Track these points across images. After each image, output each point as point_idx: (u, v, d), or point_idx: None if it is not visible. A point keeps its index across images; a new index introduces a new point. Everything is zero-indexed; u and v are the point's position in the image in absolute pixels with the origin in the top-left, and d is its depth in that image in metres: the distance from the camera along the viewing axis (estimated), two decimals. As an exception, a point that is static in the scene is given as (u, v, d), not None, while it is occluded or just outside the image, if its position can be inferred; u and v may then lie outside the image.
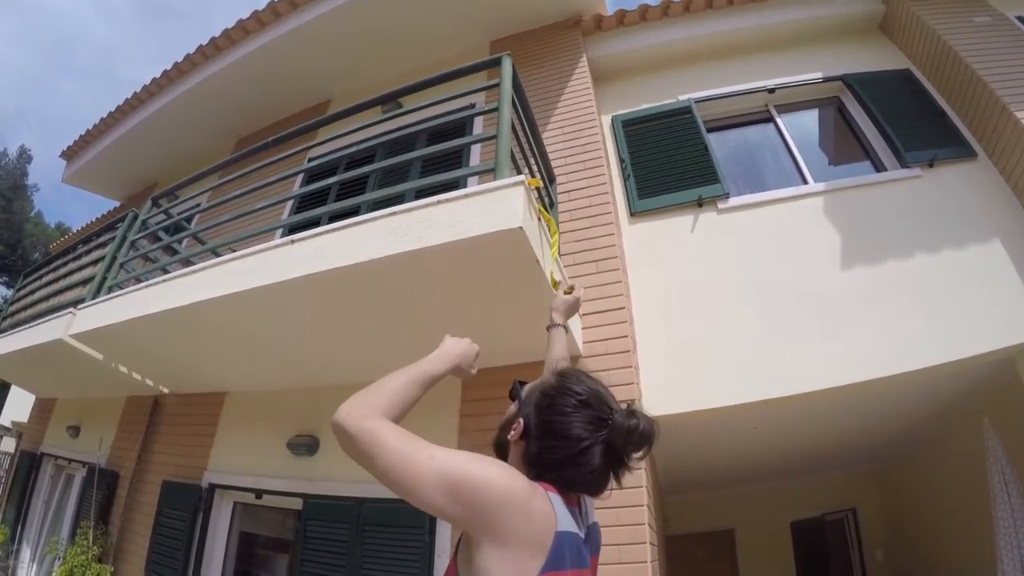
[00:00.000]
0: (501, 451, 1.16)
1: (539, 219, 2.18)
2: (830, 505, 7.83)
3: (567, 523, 0.95)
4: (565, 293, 1.80)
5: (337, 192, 4.32)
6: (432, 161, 3.83)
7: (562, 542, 0.91)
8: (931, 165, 3.95)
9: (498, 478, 0.90)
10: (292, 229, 2.67)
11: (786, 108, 4.51)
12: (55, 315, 3.83)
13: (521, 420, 1.11)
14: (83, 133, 6.90)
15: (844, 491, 7.79)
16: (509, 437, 1.13)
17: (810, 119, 4.57)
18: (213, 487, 3.69)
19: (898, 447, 6.44)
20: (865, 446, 6.22)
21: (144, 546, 3.95)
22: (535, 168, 2.85)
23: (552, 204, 3.07)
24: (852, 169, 4.21)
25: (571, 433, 1.04)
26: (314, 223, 2.62)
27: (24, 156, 27.98)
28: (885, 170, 3.98)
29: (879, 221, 3.66)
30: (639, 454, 1.03)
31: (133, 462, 4.43)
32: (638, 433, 1.02)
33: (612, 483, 1.06)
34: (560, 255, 2.95)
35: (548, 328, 1.73)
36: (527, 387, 1.19)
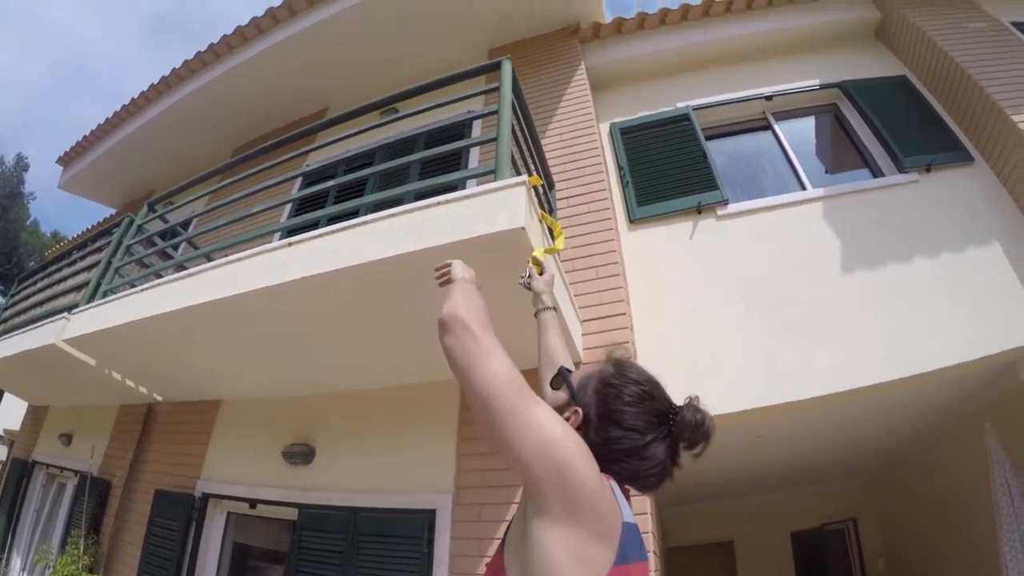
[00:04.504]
0: None
1: (540, 220, 2.16)
2: (831, 515, 7.77)
3: (629, 514, 0.92)
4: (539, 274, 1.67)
5: (335, 196, 4.31)
6: (431, 164, 3.82)
7: (629, 534, 0.88)
8: (928, 170, 3.96)
9: (586, 454, 0.88)
10: (291, 233, 2.64)
11: (784, 115, 4.52)
12: (49, 320, 3.79)
13: (580, 409, 1.07)
14: (80, 139, 6.88)
15: (845, 501, 7.73)
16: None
17: (807, 126, 4.59)
18: (206, 496, 3.63)
19: (899, 455, 6.39)
20: (866, 455, 6.18)
21: (136, 556, 3.89)
22: (535, 173, 2.84)
23: (551, 210, 3.05)
24: (850, 176, 4.22)
25: (637, 425, 1.02)
26: (312, 226, 2.59)
27: (21, 164, 27.92)
28: (883, 176, 3.98)
29: (878, 226, 3.66)
30: (698, 450, 1.02)
31: (125, 471, 4.37)
32: (704, 428, 1.01)
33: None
34: (559, 259, 2.94)
35: (537, 314, 1.57)
36: (578, 376, 1.14)
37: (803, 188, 3.97)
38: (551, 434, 0.85)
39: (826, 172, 4.37)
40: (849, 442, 5.31)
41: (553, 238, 2.19)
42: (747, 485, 6.87)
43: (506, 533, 0.97)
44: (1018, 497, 4.00)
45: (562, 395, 1.13)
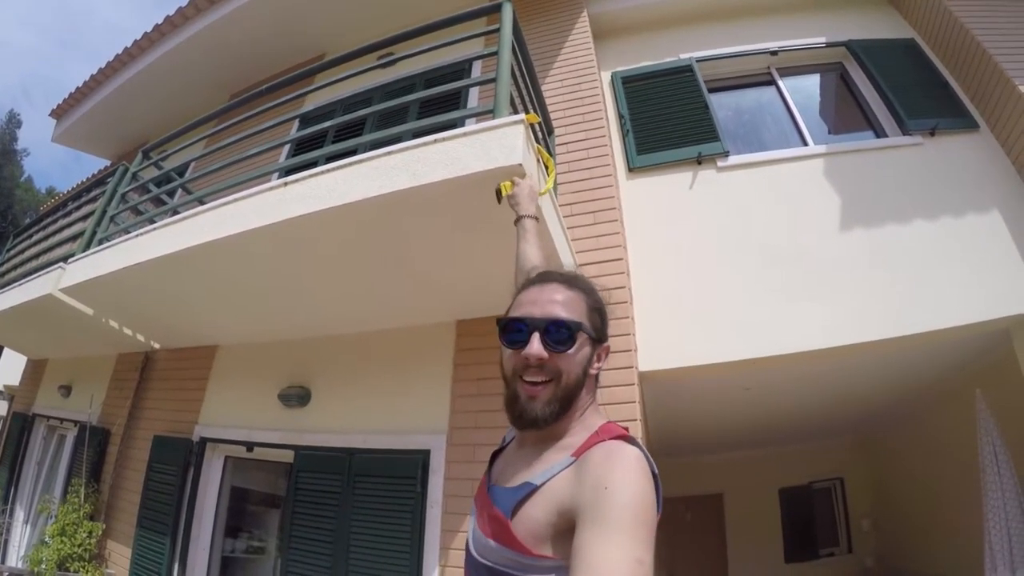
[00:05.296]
0: (570, 403, 0.98)
1: (537, 159, 2.14)
2: (818, 473, 7.93)
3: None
4: (511, 188, 1.66)
5: (334, 138, 4.25)
6: (430, 106, 3.78)
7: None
8: (932, 134, 3.92)
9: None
10: (288, 175, 2.62)
11: (788, 71, 4.45)
12: (44, 271, 3.78)
13: (606, 344, 1.05)
14: (72, 91, 6.75)
15: (833, 460, 7.89)
16: (595, 369, 1.02)
17: (812, 84, 4.52)
18: (204, 441, 3.68)
19: (888, 417, 6.48)
20: (855, 415, 6.26)
21: (135, 502, 3.96)
22: (534, 113, 2.80)
23: (551, 155, 3.03)
24: (853, 137, 4.18)
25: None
26: (310, 167, 2.56)
27: (14, 121, 27.54)
28: (887, 137, 3.95)
29: (878, 186, 3.64)
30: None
31: (124, 419, 4.41)
32: None
33: None
34: (556, 197, 2.92)
35: (516, 221, 1.51)
36: (575, 315, 0.99)
37: (805, 144, 3.94)
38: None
39: (829, 132, 4.32)
40: (839, 401, 5.37)
41: (547, 176, 2.17)
42: (737, 440, 6.97)
43: (518, 505, 0.89)
44: (1005, 465, 4.06)
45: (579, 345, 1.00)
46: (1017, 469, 4.03)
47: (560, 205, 2.95)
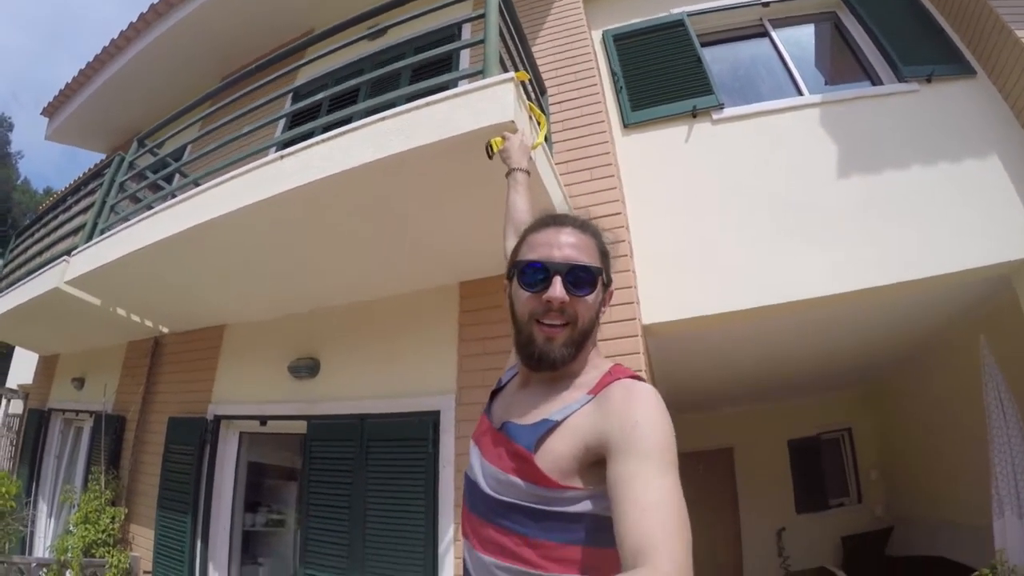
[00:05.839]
0: (584, 345, 1.01)
1: (529, 116, 2.15)
2: (826, 424, 7.99)
3: None
4: (502, 143, 1.64)
5: (328, 109, 4.25)
6: (421, 71, 3.76)
7: None
8: (929, 81, 3.88)
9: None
10: (285, 148, 2.64)
11: (781, 22, 4.39)
12: (49, 266, 3.82)
13: (612, 289, 1.08)
14: (63, 87, 6.71)
15: (840, 411, 7.94)
16: (602, 313, 1.05)
17: (806, 34, 4.47)
18: (218, 419, 3.75)
19: (893, 367, 6.51)
20: (861, 365, 6.29)
21: (154, 484, 4.05)
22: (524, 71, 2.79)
23: (542, 112, 3.03)
24: (850, 86, 4.14)
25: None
26: (306, 138, 2.58)
27: (5, 124, 27.44)
28: (883, 85, 3.91)
29: (875, 134, 3.62)
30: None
31: (138, 404, 4.49)
32: None
33: None
34: (552, 154, 2.93)
35: (508, 175, 1.51)
36: (591, 259, 1.02)
37: (800, 93, 3.90)
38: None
39: (825, 83, 4.29)
40: (844, 351, 5.41)
41: (539, 131, 2.18)
42: (745, 393, 7.03)
43: (540, 441, 0.91)
44: (1010, 410, 4.06)
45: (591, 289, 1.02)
46: (1022, 413, 4.06)
47: (556, 164, 2.96)
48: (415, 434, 2.91)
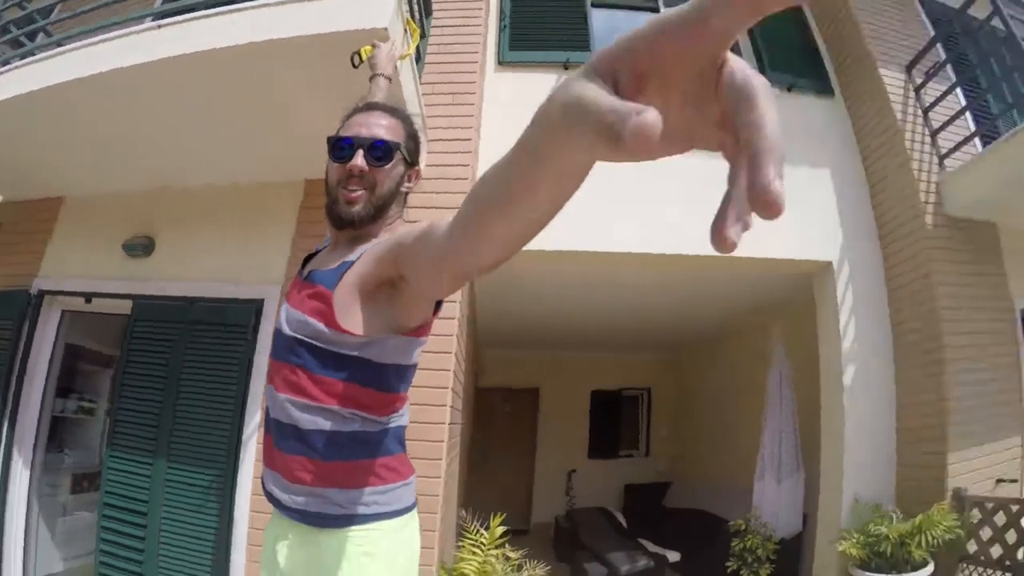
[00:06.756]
0: (383, 210, 1.16)
1: (405, 29, 2.26)
2: (630, 382, 8.85)
3: None
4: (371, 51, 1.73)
5: None
6: None
7: None
8: (790, 90, 4.31)
9: None
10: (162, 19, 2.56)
11: (675, 2, 4.63)
12: None
13: (417, 168, 1.22)
14: None
15: (645, 372, 8.81)
16: (405, 188, 1.20)
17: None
18: (42, 293, 3.52)
19: (697, 339, 7.39)
20: (670, 332, 7.07)
21: (-37, 360, 3.74)
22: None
23: (424, 36, 3.07)
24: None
25: None
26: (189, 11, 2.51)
27: None
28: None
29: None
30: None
31: (-44, 274, 4.08)
32: None
33: None
34: (420, 71, 3.01)
35: (371, 79, 1.64)
36: (395, 138, 1.16)
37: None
38: None
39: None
40: (658, 316, 6.10)
41: (411, 43, 2.28)
42: (560, 339, 7.54)
43: (339, 279, 1.03)
44: (787, 393, 4.77)
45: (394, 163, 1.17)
46: (796, 398, 4.76)
47: (423, 83, 3.03)
48: (239, 320, 2.97)
